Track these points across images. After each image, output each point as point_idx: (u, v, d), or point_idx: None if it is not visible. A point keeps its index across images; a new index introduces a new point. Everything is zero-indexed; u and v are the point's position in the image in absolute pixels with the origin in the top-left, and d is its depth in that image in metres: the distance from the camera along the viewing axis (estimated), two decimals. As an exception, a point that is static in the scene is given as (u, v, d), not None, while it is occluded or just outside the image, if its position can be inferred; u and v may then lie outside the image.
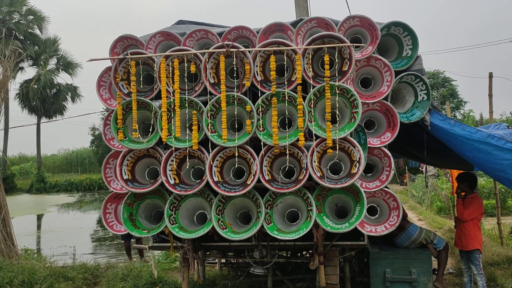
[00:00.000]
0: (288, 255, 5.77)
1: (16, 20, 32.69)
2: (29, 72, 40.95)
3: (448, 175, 15.73)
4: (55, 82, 34.35)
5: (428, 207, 14.69)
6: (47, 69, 34.13)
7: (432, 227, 11.12)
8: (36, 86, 32.93)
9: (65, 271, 6.32)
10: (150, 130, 4.30)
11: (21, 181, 35.49)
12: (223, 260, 6.53)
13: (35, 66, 34.43)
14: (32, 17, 33.46)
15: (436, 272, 6.22)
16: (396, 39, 4.73)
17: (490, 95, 7.68)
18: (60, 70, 35.15)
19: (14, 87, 33.46)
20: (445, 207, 13.73)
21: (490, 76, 7.81)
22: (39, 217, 18.89)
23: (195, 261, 5.06)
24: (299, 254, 6.00)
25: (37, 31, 34.10)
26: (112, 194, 4.83)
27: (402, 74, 4.54)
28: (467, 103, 33.98)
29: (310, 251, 4.99)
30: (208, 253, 5.95)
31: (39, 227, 16.41)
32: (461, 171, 6.16)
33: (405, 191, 20.99)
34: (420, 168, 21.98)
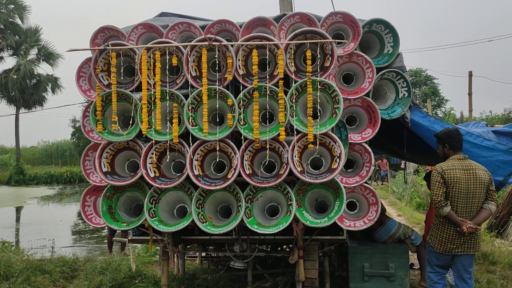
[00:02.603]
0: (268, 249, 5.80)
1: (-4, 8, 31.91)
2: (8, 62, 40.03)
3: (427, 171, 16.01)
4: (35, 73, 33.69)
5: (408, 203, 14.91)
6: (28, 59, 33.44)
7: (411, 222, 11.30)
8: (15, 76, 32.27)
9: (42, 264, 6.22)
10: (130, 122, 4.25)
11: (0, 173, 34.83)
12: (203, 254, 6.52)
13: (15, 56, 33.74)
14: (13, 6, 32.69)
15: (413, 267, 6.36)
16: (378, 36, 4.76)
17: (470, 94, 7.84)
18: (41, 60, 34.48)
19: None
20: (424, 203, 13.97)
21: (470, 75, 7.95)
22: (18, 210, 18.58)
23: (175, 255, 5.04)
24: (279, 248, 6.04)
25: (18, 21, 33.45)
26: (91, 187, 4.77)
27: (383, 71, 4.57)
28: (448, 101, 34.50)
29: (290, 245, 5.02)
30: (188, 246, 5.94)
31: (18, 219, 16.13)
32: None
33: (386, 187, 21.26)
34: (402, 165, 22.30)
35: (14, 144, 37.09)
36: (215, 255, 6.21)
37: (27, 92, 32.88)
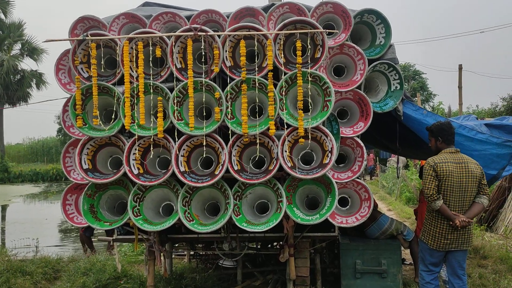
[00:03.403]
0: (258, 247, 5.66)
1: (-23, 3, 31.15)
2: (-9, 58, 39.12)
3: (418, 166, 16.02)
4: (19, 68, 32.99)
5: (398, 198, 14.90)
6: (11, 54, 32.74)
7: (401, 217, 11.26)
8: (-4, 74, 31.56)
9: (24, 266, 5.99)
10: (113, 117, 4.05)
11: (-17, 171, 34.16)
12: (192, 252, 6.35)
13: (-4, 53, 32.96)
14: (-4, 1, 31.94)
15: (404, 262, 6.27)
16: (369, 27, 4.65)
17: (460, 87, 7.76)
18: (25, 55, 33.77)
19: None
20: (414, 197, 13.96)
21: (460, 68, 7.88)
22: (2, 208, 18.16)
23: (161, 254, 4.86)
24: (269, 245, 5.90)
25: (1, 15, 32.63)
26: (73, 185, 4.58)
27: (375, 63, 4.47)
28: (436, 96, 34.69)
29: (281, 243, 4.89)
30: (176, 245, 5.78)
31: (3, 218, 15.76)
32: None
33: (376, 182, 21.28)
34: (388, 159, 22.34)
35: (-2, 142, 36.41)
36: (204, 253, 6.05)
37: (11, 88, 32.19)
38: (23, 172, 33.84)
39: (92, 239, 8.21)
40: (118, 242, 5.55)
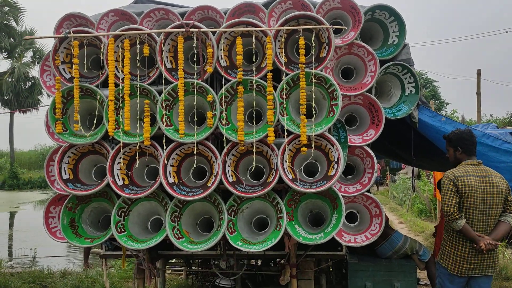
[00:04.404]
0: (259, 265, 5.23)
1: (-9, 11, 31.43)
2: (3, 64, 39.64)
3: (430, 176, 15.43)
4: (30, 75, 33.19)
5: (409, 209, 14.32)
6: (22, 61, 32.95)
7: (413, 231, 10.72)
8: (10, 79, 31.77)
9: (8, 281, 5.62)
10: (95, 122, 3.66)
11: (-6, 177, 34.29)
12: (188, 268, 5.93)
13: (9, 59, 33.20)
14: (8, 8, 32.23)
15: (419, 283, 5.78)
16: (381, 25, 4.26)
17: (478, 94, 7.28)
18: (36, 63, 33.93)
19: (-14, 79, 32.21)
20: (426, 209, 13.38)
21: (478, 73, 7.40)
22: (7, 216, 17.93)
23: (151, 272, 4.46)
24: (271, 263, 5.46)
25: (13, 23, 32.91)
26: (56, 196, 4.21)
27: (387, 64, 4.08)
28: (449, 105, 33.95)
29: (283, 260, 4.46)
30: (173, 260, 5.39)
31: (5, 226, 15.49)
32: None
33: (386, 192, 20.66)
34: (398, 173, 21.76)
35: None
36: (200, 268, 5.62)
37: (22, 95, 32.40)
38: (32, 179, 33.85)
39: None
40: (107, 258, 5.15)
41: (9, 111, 32.72)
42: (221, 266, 4.63)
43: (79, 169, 3.82)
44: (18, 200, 23.83)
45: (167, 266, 5.80)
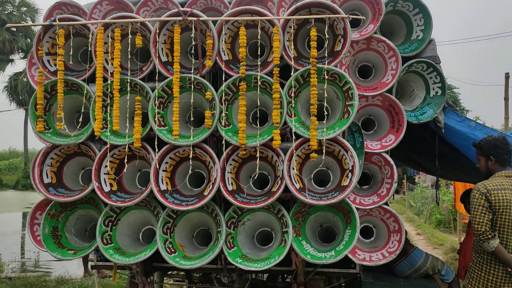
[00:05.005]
0: (264, 279, 4.82)
1: (9, 11, 31.75)
2: (19, 64, 40.08)
3: (450, 185, 14.81)
4: (46, 76, 33.44)
5: (427, 220, 13.73)
6: (38, 62, 33.20)
7: (431, 243, 10.18)
8: (25, 80, 31.99)
9: (1, 288, 5.31)
10: (81, 120, 3.29)
11: (8, 177, 34.56)
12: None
13: (26, 59, 33.44)
14: (25, 8, 32.55)
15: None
16: (404, 18, 3.87)
17: (506, 98, 6.78)
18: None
19: (2, 79, 32.63)
20: (445, 220, 12.81)
21: (507, 77, 6.87)
22: (17, 216, 17.86)
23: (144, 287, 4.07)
24: (279, 277, 5.04)
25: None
26: (43, 201, 3.82)
27: (411, 62, 3.65)
28: (469, 112, 33.13)
29: (290, 277, 4.05)
30: (174, 272, 5.01)
31: (14, 227, 15.35)
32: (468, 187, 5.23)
33: (402, 201, 20.03)
34: (415, 175, 21.05)
35: (27, 148, 36.88)
36: (201, 283, 5.23)
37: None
38: (45, 179, 34.03)
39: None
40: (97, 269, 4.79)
41: (24, 111, 32.99)
42: (223, 281, 4.27)
43: (63, 172, 3.46)
44: (31, 200, 23.80)
45: (165, 278, 5.42)
